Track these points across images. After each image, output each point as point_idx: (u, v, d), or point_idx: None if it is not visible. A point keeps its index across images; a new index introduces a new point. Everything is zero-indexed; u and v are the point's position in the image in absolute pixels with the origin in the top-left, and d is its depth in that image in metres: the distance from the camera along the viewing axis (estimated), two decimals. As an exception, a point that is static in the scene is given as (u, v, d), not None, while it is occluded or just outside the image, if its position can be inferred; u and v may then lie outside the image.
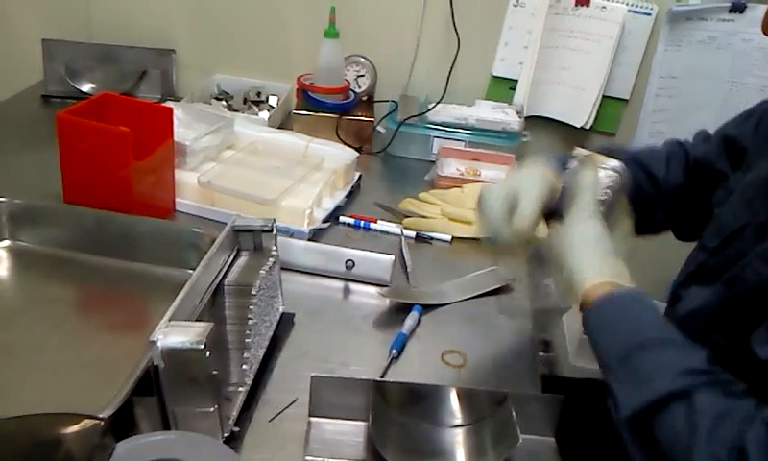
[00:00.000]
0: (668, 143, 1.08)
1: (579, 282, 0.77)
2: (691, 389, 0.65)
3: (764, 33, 0.82)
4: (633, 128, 1.77)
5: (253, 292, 0.89)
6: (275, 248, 0.98)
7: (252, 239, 0.98)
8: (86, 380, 0.89)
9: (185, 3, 1.78)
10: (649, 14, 1.66)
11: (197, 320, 0.82)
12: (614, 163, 0.91)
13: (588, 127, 1.73)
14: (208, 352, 0.72)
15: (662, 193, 1.02)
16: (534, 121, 1.76)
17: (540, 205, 0.86)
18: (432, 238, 1.31)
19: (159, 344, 0.71)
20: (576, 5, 1.67)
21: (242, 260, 0.96)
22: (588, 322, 0.76)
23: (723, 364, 0.74)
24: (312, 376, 0.85)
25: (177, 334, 0.72)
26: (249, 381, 0.88)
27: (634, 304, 0.75)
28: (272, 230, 0.97)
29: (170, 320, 0.75)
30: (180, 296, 0.79)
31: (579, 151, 0.93)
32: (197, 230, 1.12)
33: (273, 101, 1.74)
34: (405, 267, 1.21)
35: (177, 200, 1.28)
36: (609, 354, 0.72)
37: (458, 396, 0.86)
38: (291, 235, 1.21)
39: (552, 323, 1.15)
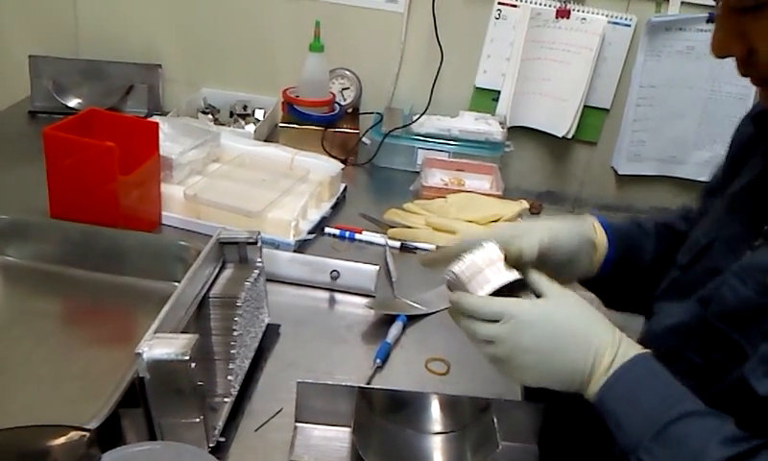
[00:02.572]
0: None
1: (597, 358, 0.72)
2: (740, 457, 0.64)
3: (715, 55, 0.76)
4: (614, 137, 1.79)
5: (239, 304, 0.90)
6: (259, 260, 1.00)
7: (237, 251, 0.99)
8: (73, 393, 0.90)
9: (172, 18, 1.80)
10: (628, 25, 1.69)
11: (182, 332, 0.83)
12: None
13: (569, 136, 1.76)
14: (193, 364, 0.73)
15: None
16: (517, 131, 1.78)
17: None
18: (416, 248, 1.33)
19: (145, 356, 0.72)
20: (557, 17, 1.70)
21: (227, 273, 0.98)
22: (605, 397, 0.72)
23: (700, 384, 0.73)
24: (298, 382, 0.86)
25: (162, 346, 0.74)
26: (234, 392, 0.89)
27: (652, 370, 0.73)
28: (256, 243, 0.98)
29: (155, 332, 0.76)
30: (166, 308, 0.80)
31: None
32: (183, 243, 1.13)
33: (259, 114, 1.75)
34: (390, 277, 1.22)
35: (163, 213, 1.29)
36: (638, 430, 0.69)
37: (441, 403, 0.88)
38: (277, 247, 1.22)
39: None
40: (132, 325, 1.08)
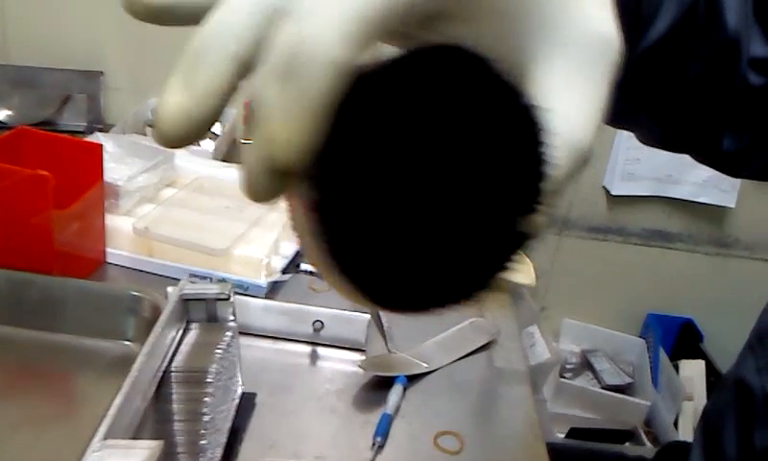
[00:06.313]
0: None
1: None
2: None
3: None
4: (606, 154, 1.67)
5: (209, 380, 0.72)
6: (232, 318, 0.81)
7: (204, 309, 0.81)
8: (-2, 497, 0.71)
9: (115, 19, 1.60)
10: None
11: (138, 424, 0.64)
12: None
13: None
14: (157, 482, 0.55)
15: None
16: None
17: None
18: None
19: (91, 476, 0.54)
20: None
21: (192, 336, 0.79)
22: None
23: None
24: (286, 483, 0.69)
25: (115, 459, 0.55)
26: (206, 496, 0.70)
27: None
28: (229, 299, 0.80)
29: (105, 438, 0.57)
30: (117, 402, 0.61)
31: None
32: (135, 293, 0.94)
33: (217, 128, 1.56)
34: (381, 324, 1.05)
35: (108, 250, 1.09)
36: None
37: (466, 502, 0.72)
38: (246, 290, 1.04)
39: (545, 378, 1.02)
40: (73, 396, 0.89)
